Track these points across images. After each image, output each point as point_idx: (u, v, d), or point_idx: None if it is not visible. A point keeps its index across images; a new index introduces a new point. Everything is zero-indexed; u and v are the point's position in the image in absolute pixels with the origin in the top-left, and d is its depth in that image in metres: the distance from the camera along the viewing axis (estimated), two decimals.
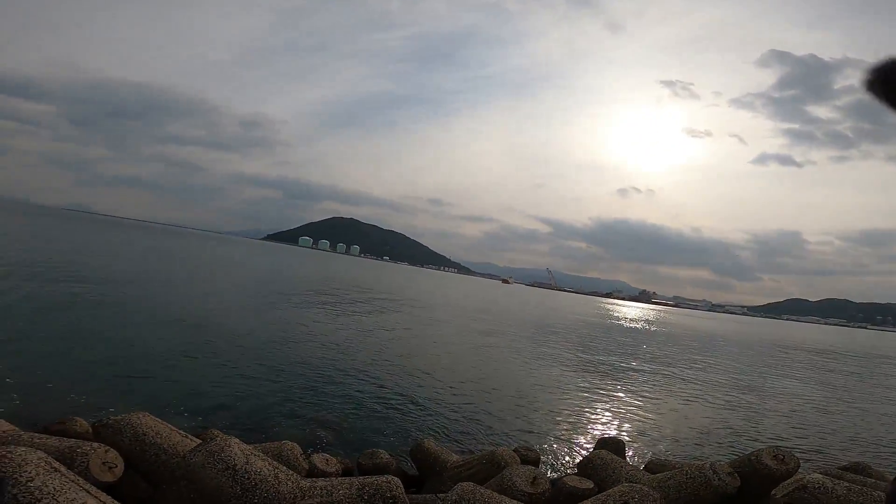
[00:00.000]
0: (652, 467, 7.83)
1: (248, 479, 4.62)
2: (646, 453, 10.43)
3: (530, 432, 11.05)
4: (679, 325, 77.53)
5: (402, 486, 5.53)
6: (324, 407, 10.56)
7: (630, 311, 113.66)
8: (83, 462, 4.44)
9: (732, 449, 11.54)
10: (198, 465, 4.60)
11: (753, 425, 14.40)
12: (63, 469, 4.10)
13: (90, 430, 5.64)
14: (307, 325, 21.50)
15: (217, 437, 5.48)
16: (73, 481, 4.02)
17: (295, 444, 6.26)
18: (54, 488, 3.75)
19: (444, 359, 18.44)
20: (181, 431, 5.68)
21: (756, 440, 12.55)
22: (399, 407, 11.41)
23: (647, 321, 75.58)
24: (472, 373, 16.32)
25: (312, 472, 6.05)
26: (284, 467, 5.19)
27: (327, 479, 5.52)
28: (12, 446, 4.00)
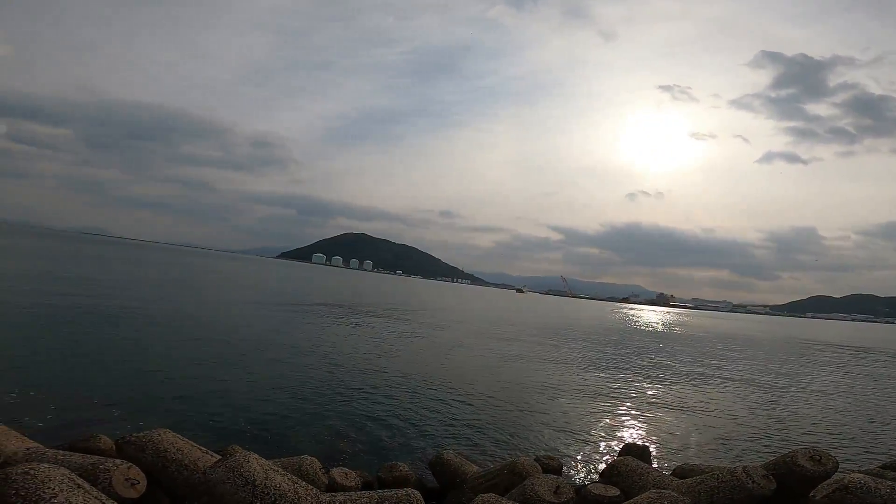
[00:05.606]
0: (680, 472, 7.58)
1: (268, 494, 4.60)
2: (673, 458, 10.08)
3: (552, 440, 10.82)
4: (700, 326, 75.87)
5: (422, 498, 5.45)
6: (343, 421, 10.49)
7: (649, 316, 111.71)
8: (106, 479, 4.45)
9: (765, 450, 11.12)
10: (217, 481, 4.59)
11: (786, 426, 13.89)
12: (87, 486, 4.12)
13: (113, 446, 5.69)
14: (325, 340, 21.54)
15: (236, 452, 5.48)
16: (96, 498, 4.04)
17: (314, 458, 6.21)
18: None
19: (464, 369, 18.26)
20: (202, 448, 5.69)
21: (789, 441, 12.10)
22: (419, 419, 11.29)
23: (666, 324, 74.18)
24: (491, 382, 16.13)
25: (332, 487, 5.99)
26: (304, 482, 5.15)
27: (346, 493, 5.47)
28: (35, 463, 4.04)
